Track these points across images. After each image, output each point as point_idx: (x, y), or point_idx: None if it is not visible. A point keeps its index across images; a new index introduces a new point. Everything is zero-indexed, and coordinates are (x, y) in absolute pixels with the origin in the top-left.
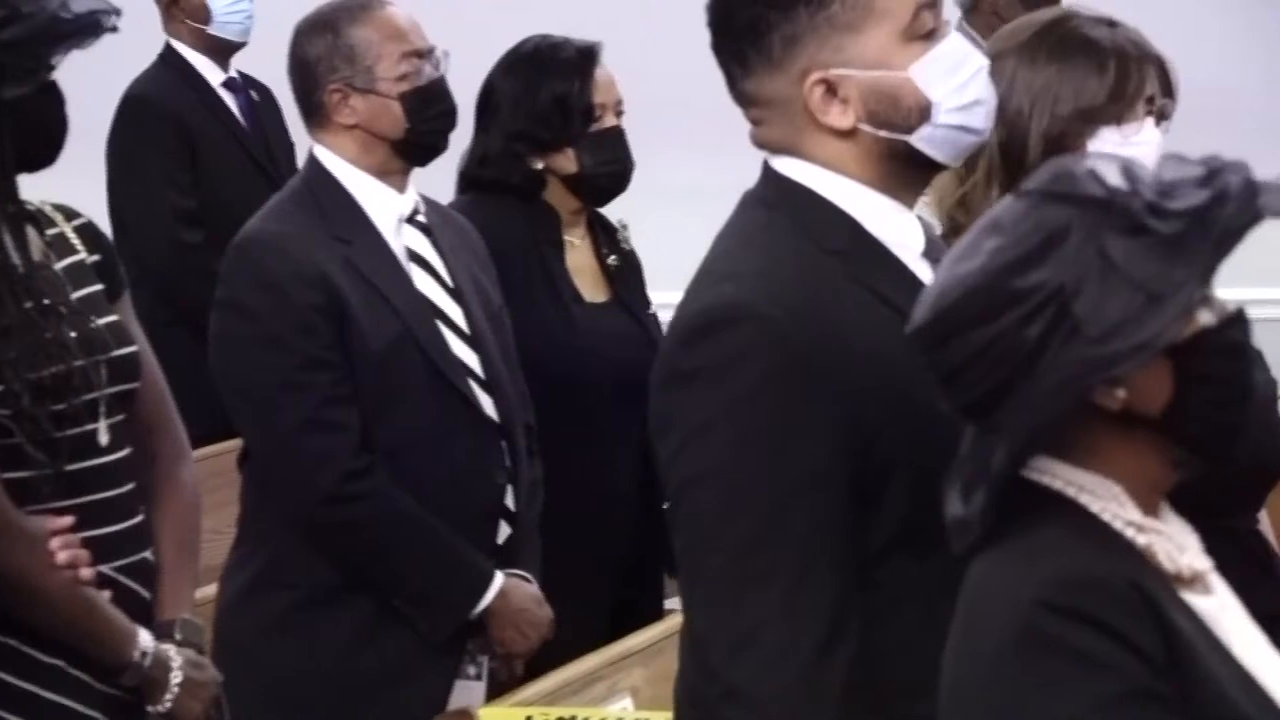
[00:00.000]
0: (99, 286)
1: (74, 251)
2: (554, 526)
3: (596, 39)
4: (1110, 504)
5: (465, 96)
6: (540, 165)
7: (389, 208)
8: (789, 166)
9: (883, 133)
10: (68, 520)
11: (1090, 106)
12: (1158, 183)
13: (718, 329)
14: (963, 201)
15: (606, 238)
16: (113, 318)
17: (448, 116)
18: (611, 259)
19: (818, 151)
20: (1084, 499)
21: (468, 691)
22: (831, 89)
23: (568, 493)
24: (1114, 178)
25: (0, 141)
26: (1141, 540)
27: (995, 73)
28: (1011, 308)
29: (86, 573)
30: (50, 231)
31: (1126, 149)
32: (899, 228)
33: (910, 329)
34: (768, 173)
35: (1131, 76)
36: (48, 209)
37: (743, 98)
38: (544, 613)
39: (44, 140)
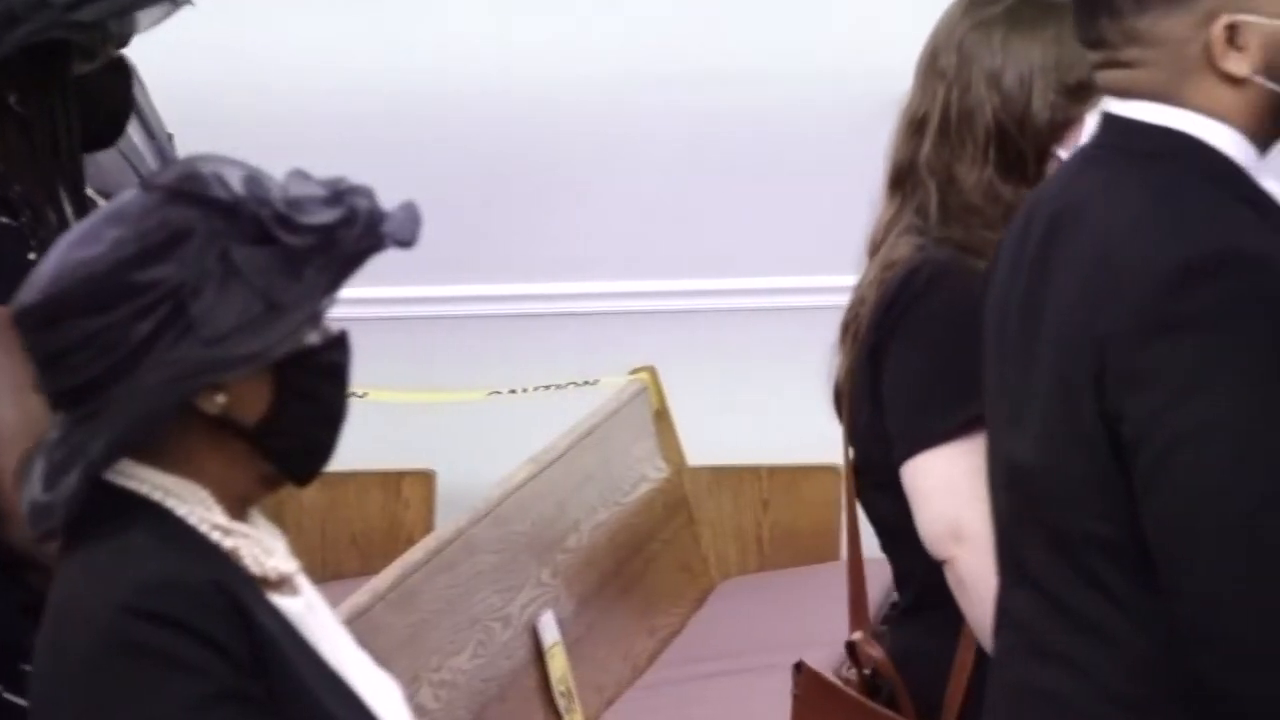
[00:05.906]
0: None
1: None
2: None
3: None
4: (196, 508)
5: None
6: None
7: None
8: (1160, 115)
9: (1273, 85)
10: None
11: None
12: (285, 196)
13: (1210, 273)
14: (952, 178)
15: None
16: None
17: None
18: None
19: (1199, 98)
20: (170, 503)
21: None
22: (1232, 35)
23: None
24: (239, 185)
25: (68, 121)
26: (228, 543)
27: (983, 42)
28: (126, 301)
29: None
30: None
31: None
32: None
33: (14, 307)
34: (1123, 123)
35: None
36: (96, 197)
37: (1125, 34)
38: None
39: (108, 118)
